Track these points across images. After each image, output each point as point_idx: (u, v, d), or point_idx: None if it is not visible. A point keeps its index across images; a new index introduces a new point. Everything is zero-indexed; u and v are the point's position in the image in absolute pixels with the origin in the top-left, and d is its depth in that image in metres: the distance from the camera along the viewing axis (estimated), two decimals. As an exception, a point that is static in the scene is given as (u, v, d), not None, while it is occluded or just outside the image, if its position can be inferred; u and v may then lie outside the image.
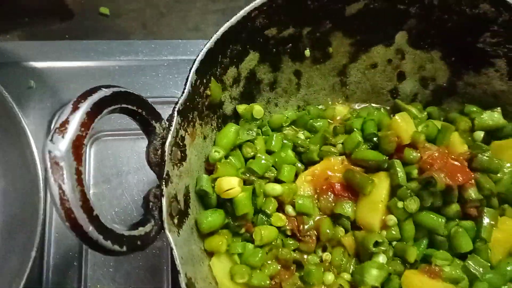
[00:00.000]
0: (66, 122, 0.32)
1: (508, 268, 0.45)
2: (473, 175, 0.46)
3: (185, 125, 0.43)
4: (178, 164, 0.42)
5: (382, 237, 0.46)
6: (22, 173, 0.57)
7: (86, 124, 0.32)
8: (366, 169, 0.49)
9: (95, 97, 0.34)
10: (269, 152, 0.51)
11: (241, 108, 0.52)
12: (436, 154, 0.46)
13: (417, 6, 0.52)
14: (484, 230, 0.46)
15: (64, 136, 0.31)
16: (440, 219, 0.46)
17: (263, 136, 0.52)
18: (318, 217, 0.48)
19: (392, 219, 0.46)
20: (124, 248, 0.34)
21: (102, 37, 0.81)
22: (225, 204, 0.47)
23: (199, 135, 0.47)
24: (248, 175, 0.47)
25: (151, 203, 0.39)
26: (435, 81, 0.58)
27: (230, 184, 0.44)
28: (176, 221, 0.41)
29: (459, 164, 0.45)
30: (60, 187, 0.30)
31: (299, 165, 0.52)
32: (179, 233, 0.41)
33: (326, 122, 0.56)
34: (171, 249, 0.38)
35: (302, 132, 0.55)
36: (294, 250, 0.47)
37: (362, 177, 0.47)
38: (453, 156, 0.47)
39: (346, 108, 0.59)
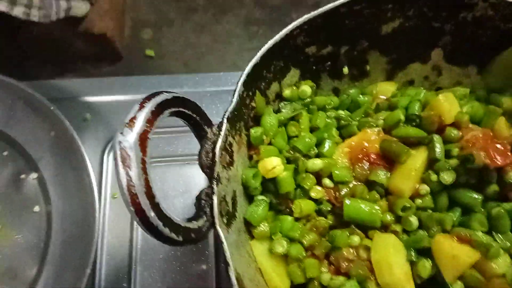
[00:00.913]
0: (134, 118, 0.35)
1: None
2: None
3: (233, 133, 0.46)
4: (227, 168, 0.45)
5: (410, 202, 0.46)
6: (79, 197, 0.61)
7: (150, 121, 0.36)
8: (406, 144, 0.49)
9: (158, 99, 0.37)
10: (312, 130, 0.53)
11: (287, 92, 0.54)
12: (480, 135, 0.46)
13: (452, 23, 0.54)
14: None
15: (132, 130, 0.34)
16: (477, 196, 0.46)
17: (308, 114, 0.54)
18: (353, 184, 0.48)
19: (424, 188, 0.46)
20: (180, 238, 0.36)
21: (149, 75, 0.87)
22: (267, 185, 0.48)
23: (244, 144, 0.50)
24: (292, 153, 0.49)
25: (203, 201, 0.41)
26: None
27: (273, 163, 0.46)
28: (225, 220, 0.42)
29: (502, 147, 0.45)
30: (127, 174, 0.33)
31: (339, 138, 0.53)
32: (228, 231, 0.42)
33: (370, 98, 0.57)
34: (221, 242, 0.39)
35: (343, 111, 0.56)
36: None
37: (398, 146, 0.47)
38: (496, 140, 0.46)
39: (392, 85, 0.59)
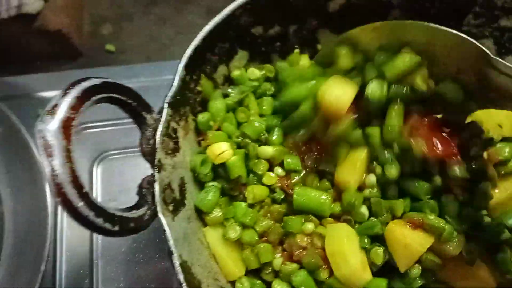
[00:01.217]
0: (55, 105, 0.34)
1: None
2: (457, 153, 0.44)
3: (177, 118, 0.45)
4: (171, 155, 0.43)
5: (356, 195, 0.46)
6: (30, 192, 0.59)
7: (75, 107, 0.34)
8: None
9: (85, 84, 0.36)
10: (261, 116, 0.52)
11: (236, 73, 0.53)
12: (425, 121, 0.45)
13: (399, -4, 0.54)
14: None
15: (54, 117, 0.33)
16: (424, 185, 0.45)
17: (257, 100, 0.52)
18: (303, 173, 0.47)
19: (370, 180, 0.46)
20: (117, 228, 0.35)
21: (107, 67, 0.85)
22: (218, 171, 0.47)
23: (192, 130, 0.48)
24: (241, 138, 0.48)
25: (144, 190, 0.40)
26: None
27: (221, 149, 0.46)
28: (171, 208, 0.41)
29: (446, 137, 0.44)
30: (50, 163, 0.31)
31: None
32: (173, 219, 0.41)
33: None
34: (164, 230, 0.38)
35: None
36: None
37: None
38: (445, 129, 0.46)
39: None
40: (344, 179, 0.46)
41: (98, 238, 0.64)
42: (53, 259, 0.61)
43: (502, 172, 0.46)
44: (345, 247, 0.44)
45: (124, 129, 0.70)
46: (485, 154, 0.46)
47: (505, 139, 0.48)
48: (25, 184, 0.59)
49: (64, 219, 0.64)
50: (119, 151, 0.70)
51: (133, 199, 0.66)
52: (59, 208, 0.64)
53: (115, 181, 0.68)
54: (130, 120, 0.68)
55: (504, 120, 0.48)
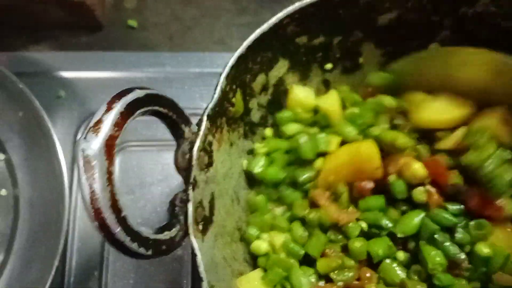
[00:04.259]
0: (100, 121, 0.31)
1: None
2: None
3: (213, 131, 0.43)
4: (205, 170, 0.42)
5: None
6: (49, 182, 0.58)
7: (119, 124, 0.32)
8: None
9: (129, 97, 0.34)
10: None
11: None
12: None
13: (451, 18, 0.51)
14: None
15: (98, 135, 0.31)
16: None
17: None
18: None
19: None
20: (150, 252, 0.34)
21: (130, 48, 0.82)
22: None
23: (225, 141, 0.46)
24: None
25: (177, 208, 0.38)
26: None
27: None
28: (200, 227, 0.40)
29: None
30: (91, 186, 0.30)
31: None
32: (203, 239, 0.40)
33: None
34: (195, 255, 0.36)
35: None
36: None
37: None
38: None
39: None
40: None
41: (111, 231, 0.63)
42: (63, 250, 0.60)
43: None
44: None
45: (145, 121, 0.67)
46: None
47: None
48: (43, 174, 0.57)
49: (77, 210, 0.63)
50: (138, 143, 0.68)
51: (149, 194, 0.66)
52: (74, 198, 0.62)
53: (132, 174, 0.66)
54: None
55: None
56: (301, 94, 0.52)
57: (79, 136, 0.67)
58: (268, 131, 0.53)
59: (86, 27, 0.85)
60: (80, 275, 0.60)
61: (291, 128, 0.51)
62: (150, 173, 0.67)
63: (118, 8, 0.90)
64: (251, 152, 0.52)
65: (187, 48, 0.85)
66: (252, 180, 0.52)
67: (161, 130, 0.68)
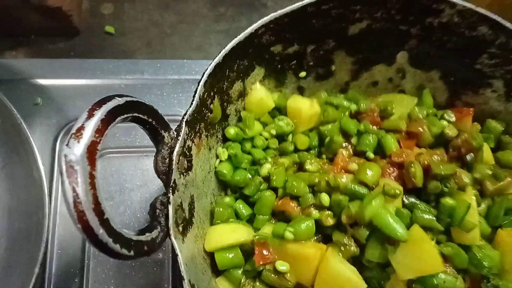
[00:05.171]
0: (81, 128, 0.32)
1: None
2: None
3: (192, 136, 0.44)
4: (184, 174, 0.43)
5: None
6: (28, 189, 0.58)
7: (100, 131, 0.33)
8: None
9: (110, 105, 0.35)
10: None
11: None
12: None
13: (418, 27, 0.54)
14: None
15: (80, 141, 0.32)
16: None
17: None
18: None
19: None
20: (132, 253, 0.35)
21: (107, 55, 0.83)
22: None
23: (204, 146, 0.48)
24: None
25: (157, 210, 0.40)
26: (434, 100, 0.59)
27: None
28: (181, 229, 0.41)
29: None
30: (74, 190, 0.31)
31: None
32: (183, 240, 0.41)
33: None
34: (176, 255, 0.38)
35: None
36: None
37: None
38: None
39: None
40: None
41: (91, 237, 0.63)
42: (44, 256, 0.60)
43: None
44: None
45: (124, 127, 0.69)
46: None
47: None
48: (22, 180, 0.57)
49: (57, 216, 0.63)
50: (118, 150, 0.68)
51: (129, 200, 0.67)
52: (53, 205, 0.63)
53: (112, 180, 0.67)
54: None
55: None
56: (260, 94, 0.54)
57: (58, 142, 0.67)
58: (232, 130, 0.52)
59: (63, 33, 0.86)
60: (60, 282, 0.60)
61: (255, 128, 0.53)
62: (130, 179, 0.67)
63: (95, 14, 0.91)
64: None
65: (165, 54, 0.86)
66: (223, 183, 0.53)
67: (140, 137, 0.71)
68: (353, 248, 0.44)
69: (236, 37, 0.46)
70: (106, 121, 0.34)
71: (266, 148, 0.53)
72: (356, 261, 0.45)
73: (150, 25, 0.91)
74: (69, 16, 0.84)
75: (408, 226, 0.43)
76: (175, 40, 0.90)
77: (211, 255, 0.47)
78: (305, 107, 0.53)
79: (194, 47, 0.89)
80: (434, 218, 0.44)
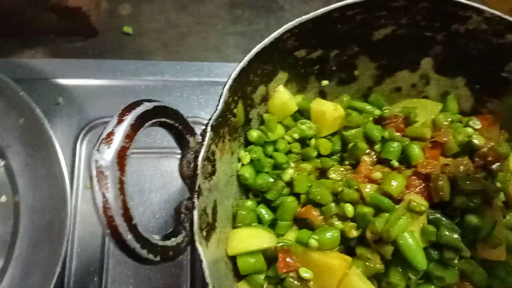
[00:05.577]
0: (112, 133, 0.33)
1: None
2: None
3: (216, 140, 0.44)
4: (209, 178, 0.43)
5: None
6: (50, 188, 0.58)
7: (129, 136, 0.33)
8: None
9: (139, 110, 0.35)
10: None
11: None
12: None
13: (444, 34, 0.53)
14: None
15: (110, 147, 0.32)
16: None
17: None
18: None
19: None
20: (158, 258, 0.35)
21: (125, 55, 0.83)
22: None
23: (227, 150, 0.48)
24: None
25: (182, 215, 0.40)
26: (459, 107, 0.58)
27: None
28: (204, 233, 0.41)
29: None
30: (104, 196, 0.31)
31: None
32: (207, 245, 0.41)
33: None
34: (201, 261, 0.38)
35: None
36: None
37: None
38: None
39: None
40: None
41: (110, 237, 0.64)
42: (64, 254, 0.61)
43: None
44: None
45: (145, 129, 0.69)
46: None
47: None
48: (45, 180, 0.57)
49: (77, 215, 0.63)
50: (137, 150, 0.69)
51: (148, 201, 0.67)
52: (73, 204, 0.63)
53: (132, 181, 0.67)
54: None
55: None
56: (284, 97, 0.53)
57: (79, 142, 0.68)
58: (254, 133, 0.52)
59: (81, 33, 0.86)
60: (80, 281, 0.61)
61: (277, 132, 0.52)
62: (149, 180, 0.68)
63: (113, 14, 0.91)
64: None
65: (182, 55, 0.86)
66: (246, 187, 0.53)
67: (160, 138, 0.71)
68: (378, 266, 0.43)
69: (256, 40, 0.46)
70: (135, 126, 0.34)
71: (288, 153, 0.52)
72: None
73: (167, 26, 0.91)
74: (88, 16, 0.84)
75: (433, 244, 0.43)
76: (192, 41, 0.90)
77: (233, 259, 0.47)
78: (329, 109, 0.52)
79: (211, 48, 0.89)
80: (459, 237, 0.44)
